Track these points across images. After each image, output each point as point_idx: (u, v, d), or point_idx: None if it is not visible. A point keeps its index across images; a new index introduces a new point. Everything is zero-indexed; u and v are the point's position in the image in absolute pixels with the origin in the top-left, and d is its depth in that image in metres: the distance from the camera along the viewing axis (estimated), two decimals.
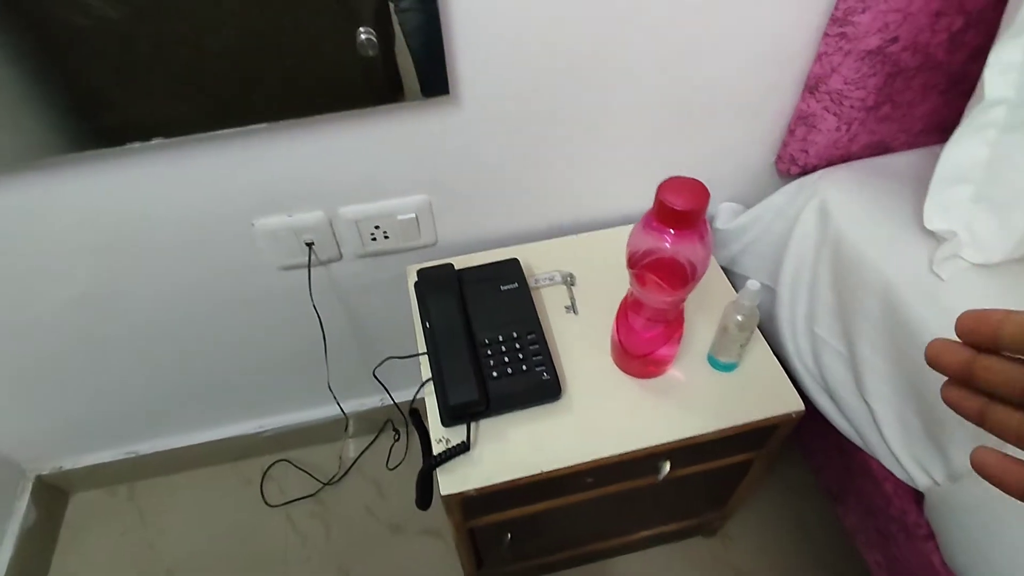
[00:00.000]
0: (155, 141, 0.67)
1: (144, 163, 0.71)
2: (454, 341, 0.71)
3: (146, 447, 1.16)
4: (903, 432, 0.73)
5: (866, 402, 0.76)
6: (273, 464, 1.23)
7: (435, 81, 0.69)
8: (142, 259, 0.82)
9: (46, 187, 0.71)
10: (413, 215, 0.84)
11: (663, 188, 0.56)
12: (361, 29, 0.63)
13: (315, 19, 0.62)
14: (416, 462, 0.70)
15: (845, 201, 0.78)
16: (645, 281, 0.63)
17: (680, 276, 0.61)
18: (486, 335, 0.74)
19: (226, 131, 0.69)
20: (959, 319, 0.27)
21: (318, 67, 0.65)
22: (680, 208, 0.54)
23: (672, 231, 0.57)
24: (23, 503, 1.11)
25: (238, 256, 0.85)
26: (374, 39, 0.63)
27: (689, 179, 0.56)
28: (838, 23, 0.72)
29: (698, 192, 0.55)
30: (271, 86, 0.66)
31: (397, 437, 1.24)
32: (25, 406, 1.01)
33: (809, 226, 0.81)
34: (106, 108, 0.65)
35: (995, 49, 0.61)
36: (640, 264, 0.61)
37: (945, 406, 0.66)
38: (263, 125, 0.70)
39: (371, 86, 0.68)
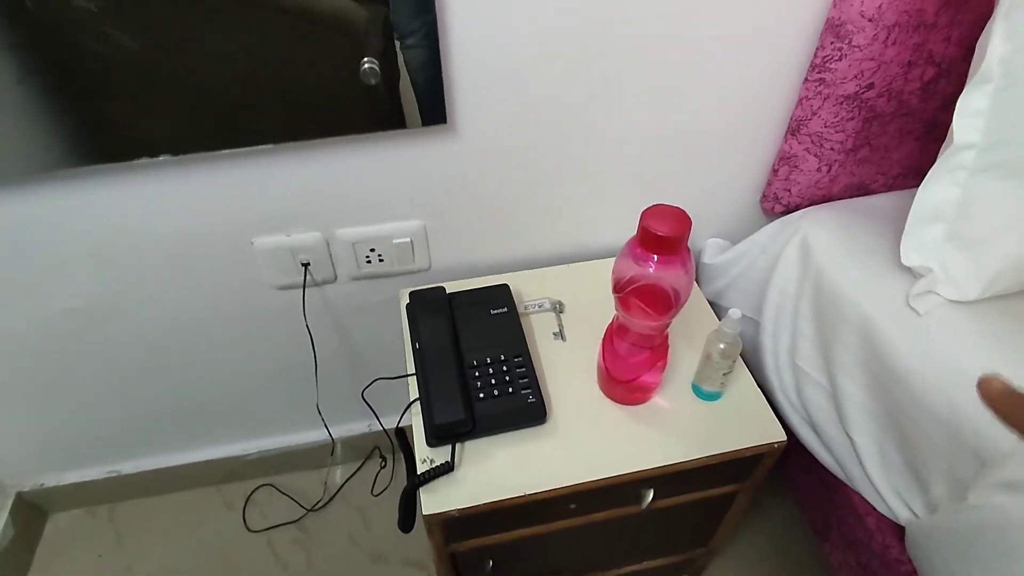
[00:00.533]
0: (162, 158, 0.70)
1: (149, 179, 0.74)
2: (442, 361, 0.72)
3: (129, 466, 1.15)
4: (883, 465, 0.73)
5: (848, 435, 0.77)
6: (257, 488, 1.21)
7: (434, 111, 0.72)
8: (139, 273, 0.84)
9: (54, 198, 0.73)
10: (408, 239, 0.87)
11: (647, 215, 0.58)
12: (365, 59, 0.67)
13: (321, 50, 0.65)
14: (402, 489, 0.70)
15: (826, 238, 0.81)
16: (630, 306, 0.65)
17: (664, 302, 0.63)
18: (474, 357, 0.75)
19: (231, 151, 0.72)
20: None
21: (322, 93, 0.69)
22: (663, 234, 0.57)
23: (655, 257, 0.59)
24: (0, 521, 1.09)
25: (235, 274, 0.87)
26: (376, 68, 0.67)
27: (672, 207, 0.59)
28: (817, 69, 0.77)
29: (680, 219, 0.58)
30: (277, 110, 0.69)
31: (383, 464, 1.23)
32: (10, 420, 1.01)
33: (791, 262, 0.83)
34: (117, 125, 0.67)
35: (963, 96, 0.65)
36: (625, 290, 0.63)
37: (923, 438, 0.67)
38: (268, 146, 0.72)
39: (373, 113, 0.71)
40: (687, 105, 0.80)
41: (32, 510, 1.16)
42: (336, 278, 0.91)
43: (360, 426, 1.18)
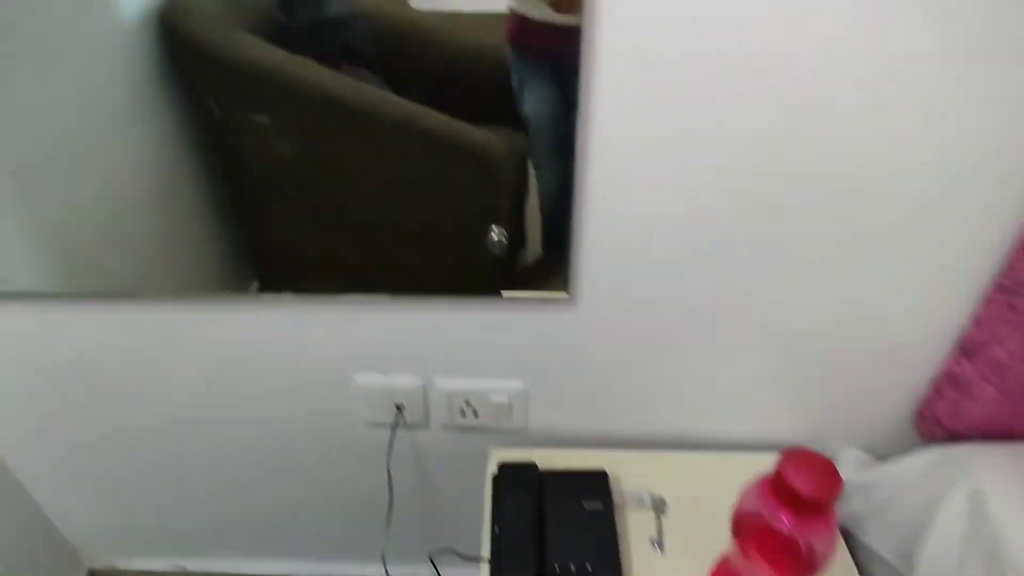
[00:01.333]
0: (284, 295, 0.72)
1: (269, 310, 0.76)
2: (522, 562, 0.64)
3: (193, 564, 1.14)
4: None
5: None
6: None
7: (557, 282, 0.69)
8: (239, 391, 0.85)
9: (177, 314, 0.77)
10: (507, 399, 0.82)
11: (787, 463, 0.49)
12: (494, 228, 0.66)
13: (455, 213, 0.65)
14: None
15: (1007, 493, 0.66)
16: (750, 555, 0.54)
17: (795, 558, 0.52)
18: (557, 559, 0.66)
19: (352, 296, 0.73)
20: None
21: (448, 256, 0.68)
22: (805, 494, 0.47)
23: (790, 510, 0.50)
24: None
25: (330, 404, 0.86)
26: (505, 240, 0.66)
27: (818, 456, 0.49)
28: (1006, 292, 0.66)
29: (830, 477, 0.48)
30: (402, 266, 0.70)
31: None
32: (96, 501, 1.05)
33: (957, 513, 0.68)
34: (262, 263, 0.72)
35: None
36: (746, 534, 0.53)
37: None
38: (385, 296, 0.73)
39: (493, 279, 0.70)
40: (831, 308, 0.71)
41: None
42: (428, 425, 0.87)
43: (422, 572, 1.10)
